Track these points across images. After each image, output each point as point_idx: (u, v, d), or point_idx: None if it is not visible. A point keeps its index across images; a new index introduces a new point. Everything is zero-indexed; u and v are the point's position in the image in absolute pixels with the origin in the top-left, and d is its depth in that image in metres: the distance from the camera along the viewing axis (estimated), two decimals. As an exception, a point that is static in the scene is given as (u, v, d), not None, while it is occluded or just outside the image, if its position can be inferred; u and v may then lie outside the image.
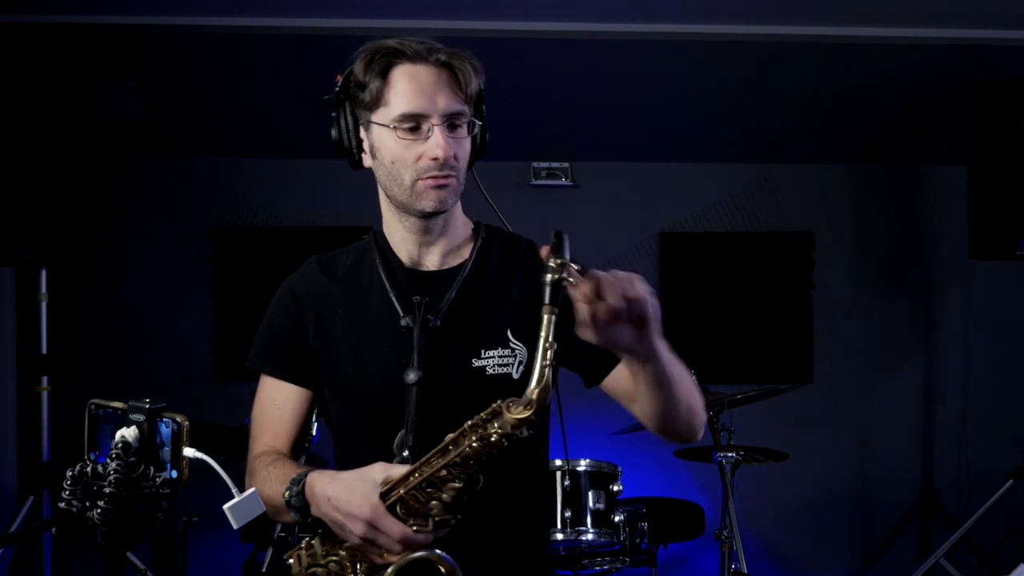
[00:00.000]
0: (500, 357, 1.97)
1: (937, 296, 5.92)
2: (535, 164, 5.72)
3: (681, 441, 1.99)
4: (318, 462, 4.15)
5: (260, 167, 5.70)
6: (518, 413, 1.63)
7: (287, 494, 1.83)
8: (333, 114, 2.00)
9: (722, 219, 5.86)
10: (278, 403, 2.04)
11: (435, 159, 1.89)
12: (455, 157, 1.91)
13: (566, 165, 5.74)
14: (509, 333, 1.97)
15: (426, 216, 1.96)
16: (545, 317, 1.56)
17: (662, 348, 1.71)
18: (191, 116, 5.36)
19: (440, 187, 1.91)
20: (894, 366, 5.90)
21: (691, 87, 5.19)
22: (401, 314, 1.97)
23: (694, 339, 5.74)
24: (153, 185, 5.68)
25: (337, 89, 1.98)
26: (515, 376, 1.96)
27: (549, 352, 1.57)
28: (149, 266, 5.67)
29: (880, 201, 5.92)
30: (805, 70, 5.06)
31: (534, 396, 1.61)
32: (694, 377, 1.98)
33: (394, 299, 1.99)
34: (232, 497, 1.69)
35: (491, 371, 1.96)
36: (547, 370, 1.59)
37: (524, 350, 1.97)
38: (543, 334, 1.57)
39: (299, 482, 1.83)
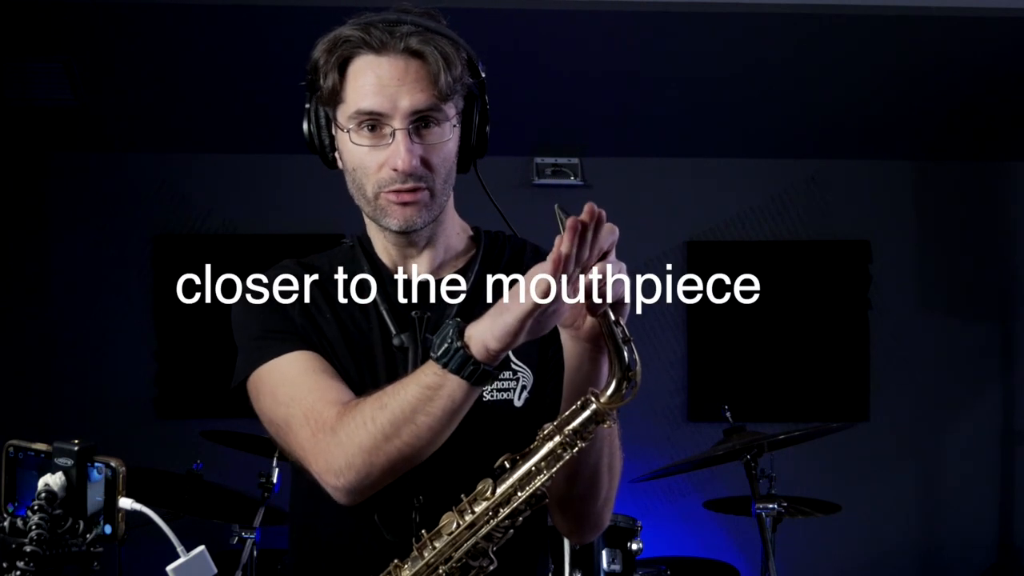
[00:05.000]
0: (500, 381, 1.99)
1: (1018, 317, 5.93)
2: (538, 160, 5.73)
3: (586, 526, 2.00)
4: (281, 515, 4.15)
5: (211, 163, 5.71)
6: (612, 402, 1.65)
7: (442, 348, 1.71)
8: (307, 105, 2.02)
9: (761, 225, 5.88)
10: (317, 368, 1.94)
11: (395, 170, 1.90)
12: (427, 165, 1.92)
13: (575, 161, 5.75)
14: (511, 353, 1.98)
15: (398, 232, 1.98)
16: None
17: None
18: (127, 103, 5.37)
19: (405, 204, 1.92)
20: (967, 400, 5.90)
21: (724, 68, 5.21)
22: (394, 332, 1.99)
23: (727, 368, 5.74)
24: (83, 184, 5.69)
25: (309, 77, 1.99)
26: (517, 403, 1.99)
27: (624, 329, 1.63)
28: (78, 280, 5.68)
29: (950, 204, 5.94)
30: (860, 47, 5.07)
31: (632, 375, 1.63)
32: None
33: (386, 314, 2.01)
34: (177, 557, 1.68)
35: (488, 397, 1.98)
36: (633, 346, 1.63)
37: (528, 373, 2.00)
38: (603, 318, 1.63)
39: (446, 335, 1.72)
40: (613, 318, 1.63)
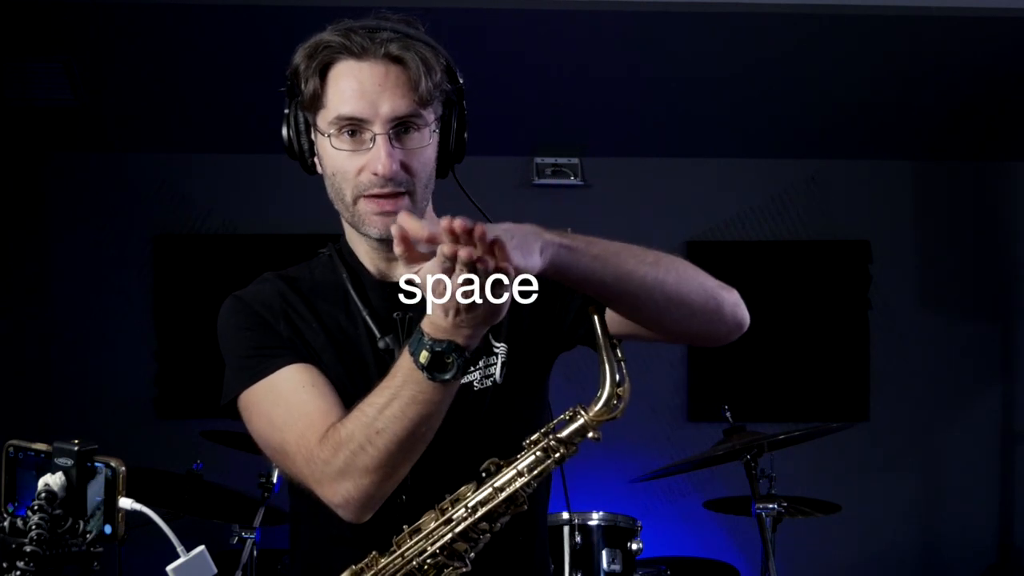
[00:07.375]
0: (485, 368, 2.01)
1: (1018, 317, 5.93)
2: (538, 160, 5.73)
3: (726, 333, 2.12)
4: (281, 515, 4.15)
5: (211, 163, 5.71)
6: (600, 415, 1.69)
7: (421, 353, 1.70)
8: (286, 110, 2.03)
9: (761, 225, 5.87)
10: (307, 382, 1.94)
11: (376, 174, 1.91)
12: (407, 170, 1.93)
13: (575, 161, 5.75)
14: (490, 336, 2.00)
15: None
16: (595, 318, 1.71)
17: (563, 247, 1.71)
18: (128, 103, 5.37)
19: (386, 213, 1.93)
20: (966, 401, 5.90)
21: (724, 68, 5.20)
22: (379, 335, 1.99)
23: (727, 368, 5.73)
24: (83, 184, 5.68)
25: (289, 83, 2.00)
26: (498, 379, 2.01)
27: (618, 349, 1.70)
28: (78, 280, 5.68)
29: (950, 204, 5.93)
30: (860, 47, 5.07)
31: (622, 392, 1.68)
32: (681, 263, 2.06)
33: (368, 318, 2.01)
34: (177, 557, 1.68)
35: (478, 385, 2.00)
36: (623, 364, 1.69)
37: (504, 348, 2.02)
38: (601, 332, 1.69)
39: (418, 338, 1.72)
40: (611, 337, 1.69)
